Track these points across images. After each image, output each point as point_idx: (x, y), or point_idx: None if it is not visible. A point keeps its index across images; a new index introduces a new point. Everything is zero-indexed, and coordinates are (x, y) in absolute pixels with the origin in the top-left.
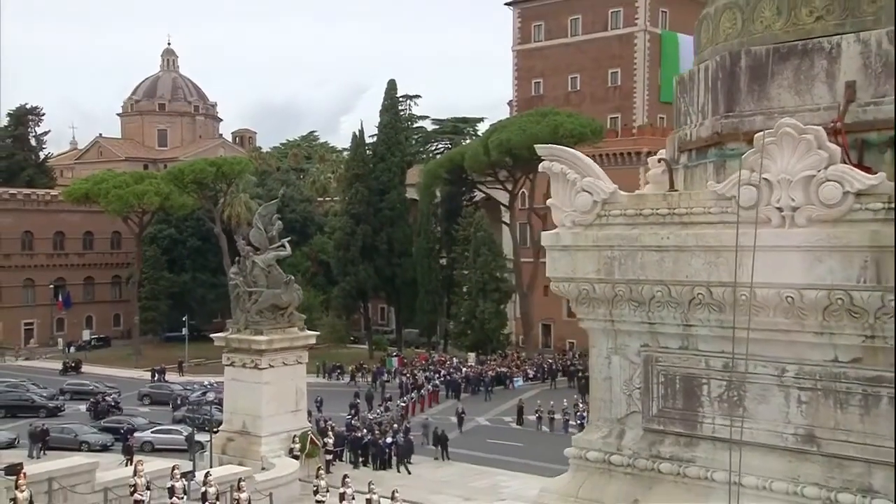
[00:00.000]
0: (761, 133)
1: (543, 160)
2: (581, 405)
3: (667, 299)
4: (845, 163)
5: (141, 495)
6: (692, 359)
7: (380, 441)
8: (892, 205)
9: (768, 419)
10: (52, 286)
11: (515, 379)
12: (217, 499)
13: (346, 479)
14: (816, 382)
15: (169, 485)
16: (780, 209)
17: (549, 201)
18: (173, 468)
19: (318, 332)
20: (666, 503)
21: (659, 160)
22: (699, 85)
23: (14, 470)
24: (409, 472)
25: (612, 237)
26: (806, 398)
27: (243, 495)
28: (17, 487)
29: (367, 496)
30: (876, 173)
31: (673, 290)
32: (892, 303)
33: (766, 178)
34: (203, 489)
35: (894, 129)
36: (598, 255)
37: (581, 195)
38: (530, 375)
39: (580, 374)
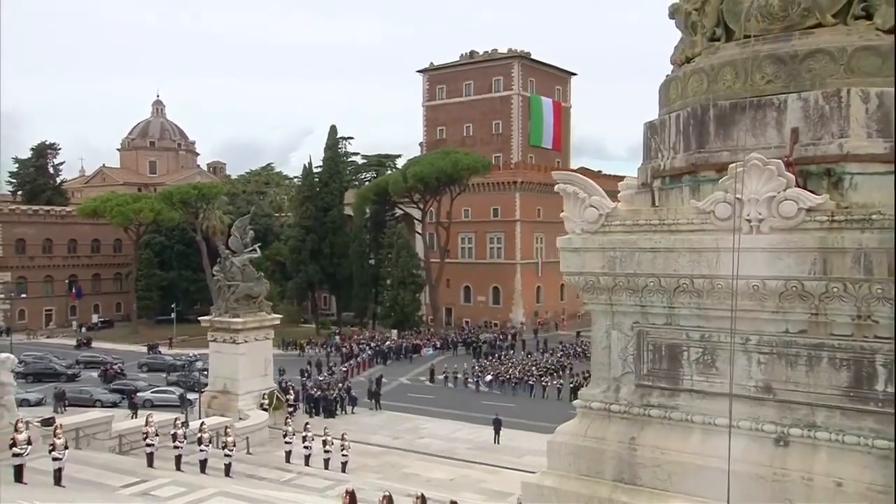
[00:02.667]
0: (735, 164)
1: (558, 183)
2: (476, 367)
3: (656, 288)
4: (798, 187)
5: (151, 441)
6: (675, 332)
7: (327, 396)
8: (835, 217)
9: (735, 376)
10: (67, 281)
11: (427, 349)
12: (210, 442)
13: (307, 425)
14: (772, 348)
15: (172, 432)
16: (749, 220)
17: (562, 214)
18: (175, 419)
19: (280, 316)
20: (655, 439)
21: (641, 184)
22: (670, 129)
23: (49, 422)
24: (354, 412)
25: (614, 241)
26: (764, 360)
27: (229, 439)
28: (55, 435)
29: (323, 437)
30: (819, 195)
31: (662, 281)
32: (835, 289)
33: (738, 198)
34: (199, 435)
35: (894, 161)
36: (602, 254)
37: (589, 209)
38: (438, 346)
39: (475, 345)
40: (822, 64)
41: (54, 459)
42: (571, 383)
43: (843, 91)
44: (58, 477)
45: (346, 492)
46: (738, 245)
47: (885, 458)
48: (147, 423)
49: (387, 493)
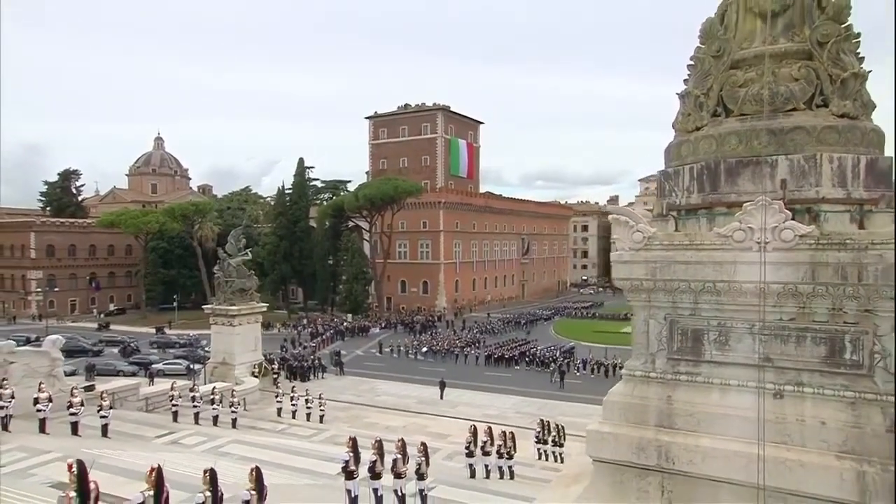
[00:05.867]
0: (748, 203)
1: (611, 214)
2: (414, 342)
3: (686, 289)
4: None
5: (177, 402)
6: (698, 320)
7: (303, 365)
8: (820, 241)
9: (743, 351)
10: (88, 278)
11: (374, 328)
12: (220, 401)
13: (294, 388)
14: (771, 331)
15: (191, 395)
16: (758, 243)
17: (613, 237)
18: (193, 385)
19: (266, 304)
20: (686, 397)
21: (657, 214)
22: (684, 176)
23: (90, 388)
24: (323, 377)
25: (655, 256)
26: (765, 339)
27: (235, 400)
28: (101, 398)
29: (305, 397)
30: (807, 226)
31: (691, 284)
32: (819, 290)
33: (749, 227)
34: (212, 396)
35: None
36: (645, 265)
37: (636, 233)
38: (383, 326)
39: (411, 325)
40: (801, 136)
41: (102, 417)
42: (486, 352)
43: (817, 155)
44: (105, 430)
45: (350, 438)
46: (763, 260)
47: (852, 404)
48: (172, 388)
49: (378, 438)
